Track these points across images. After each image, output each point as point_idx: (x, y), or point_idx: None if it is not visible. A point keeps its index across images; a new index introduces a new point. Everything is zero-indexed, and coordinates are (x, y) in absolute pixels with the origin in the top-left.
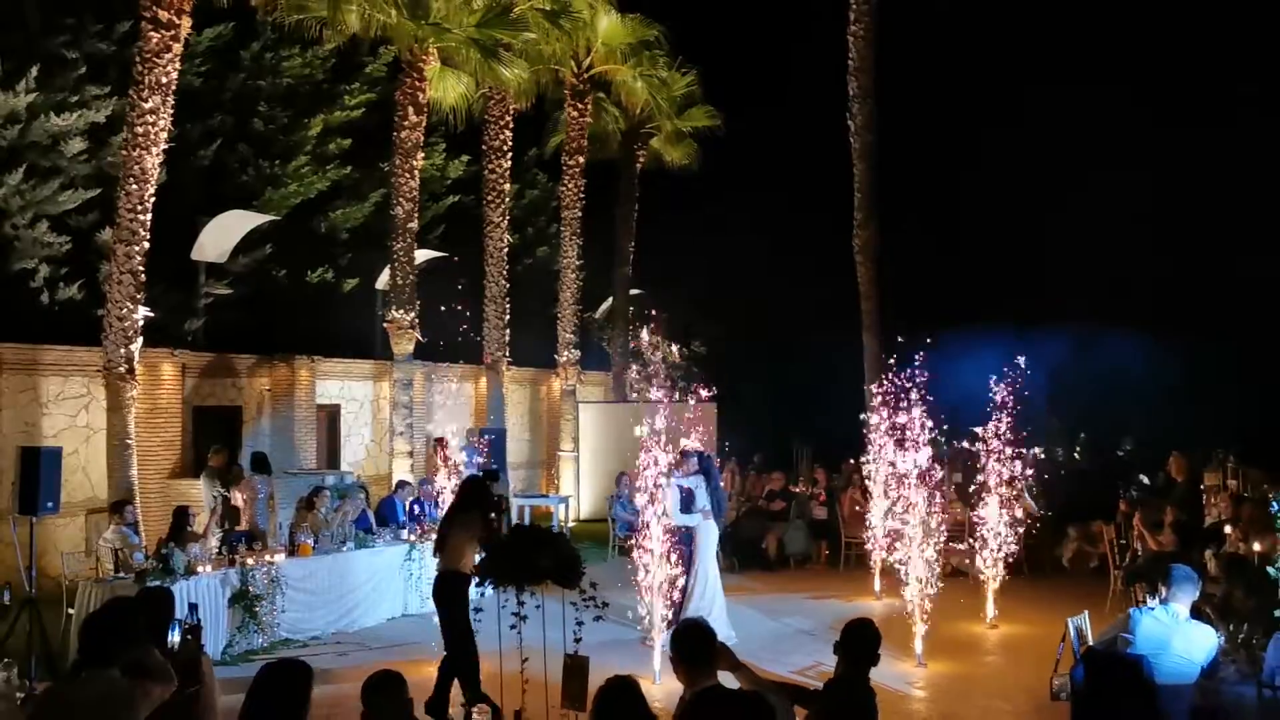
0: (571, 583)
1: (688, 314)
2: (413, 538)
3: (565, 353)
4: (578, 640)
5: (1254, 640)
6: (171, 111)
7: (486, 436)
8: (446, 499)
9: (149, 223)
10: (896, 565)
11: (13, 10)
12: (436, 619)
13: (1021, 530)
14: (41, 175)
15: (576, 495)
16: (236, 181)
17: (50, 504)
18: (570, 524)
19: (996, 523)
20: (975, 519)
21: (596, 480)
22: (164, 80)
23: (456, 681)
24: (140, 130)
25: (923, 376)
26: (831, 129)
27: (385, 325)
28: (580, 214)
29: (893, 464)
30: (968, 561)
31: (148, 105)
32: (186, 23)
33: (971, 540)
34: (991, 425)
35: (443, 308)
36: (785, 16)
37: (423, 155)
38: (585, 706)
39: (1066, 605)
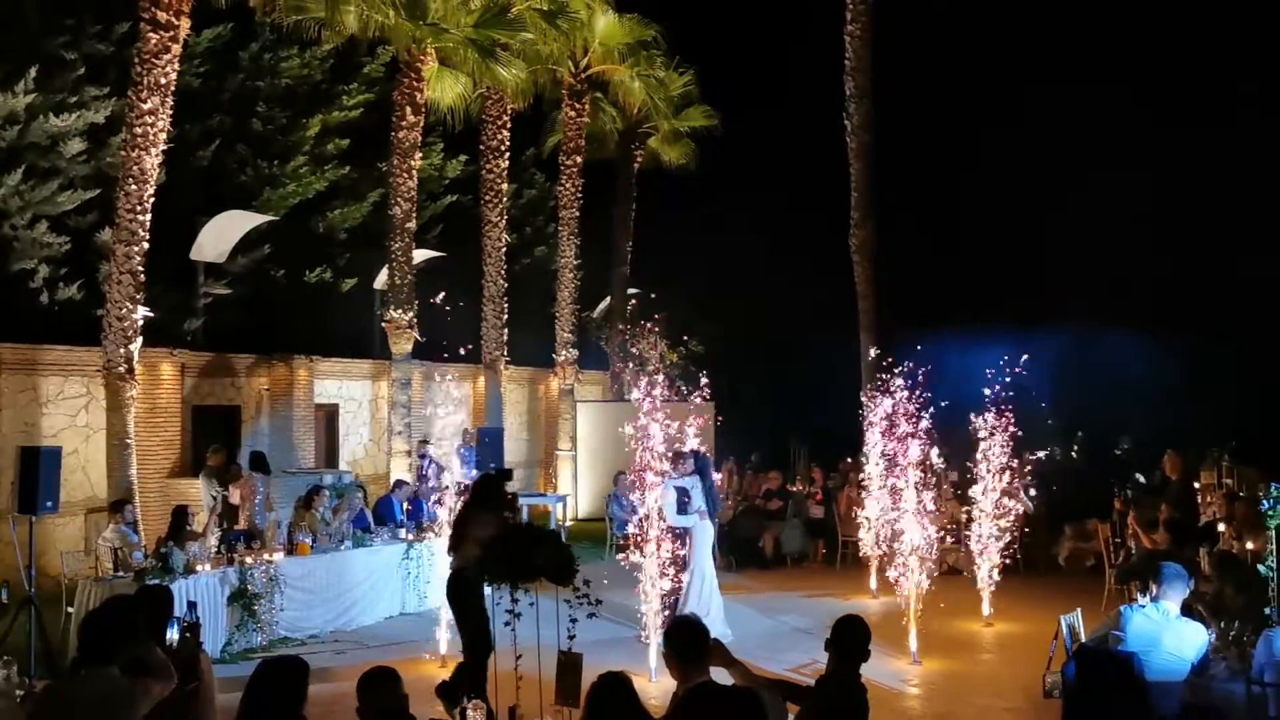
0: (565, 580)
1: (685, 314)
2: (410, 537)
3: (563, 352)
4: (571, 637)
5: (1244, 637)
6: (170, 112)
7: (485, 437)
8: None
9: (148, 223)
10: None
11: (12, 11)
12: (447, 617)
13: (1016, 528)
14: (41, 176)
15: (574, 494)
16: (235, 182)
17: (49, 503)
18: (568, 523)
19: (991, 520)
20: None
21: (594, 479)
22: (163, 81)
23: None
24: (139, 131)
25: (918, 377)
26: (828, 129)
27: (383, 325)
28: (578, 214)
29: (889, 460)
30: (964, 560)
31: (146, 106)
32: (185, 24)
33: (967, 538)
34: (988, 423)
35: (447, 308)
36: (782, 16)
37: (421, 155)
38: (579, 703)
39: (1062, 603)
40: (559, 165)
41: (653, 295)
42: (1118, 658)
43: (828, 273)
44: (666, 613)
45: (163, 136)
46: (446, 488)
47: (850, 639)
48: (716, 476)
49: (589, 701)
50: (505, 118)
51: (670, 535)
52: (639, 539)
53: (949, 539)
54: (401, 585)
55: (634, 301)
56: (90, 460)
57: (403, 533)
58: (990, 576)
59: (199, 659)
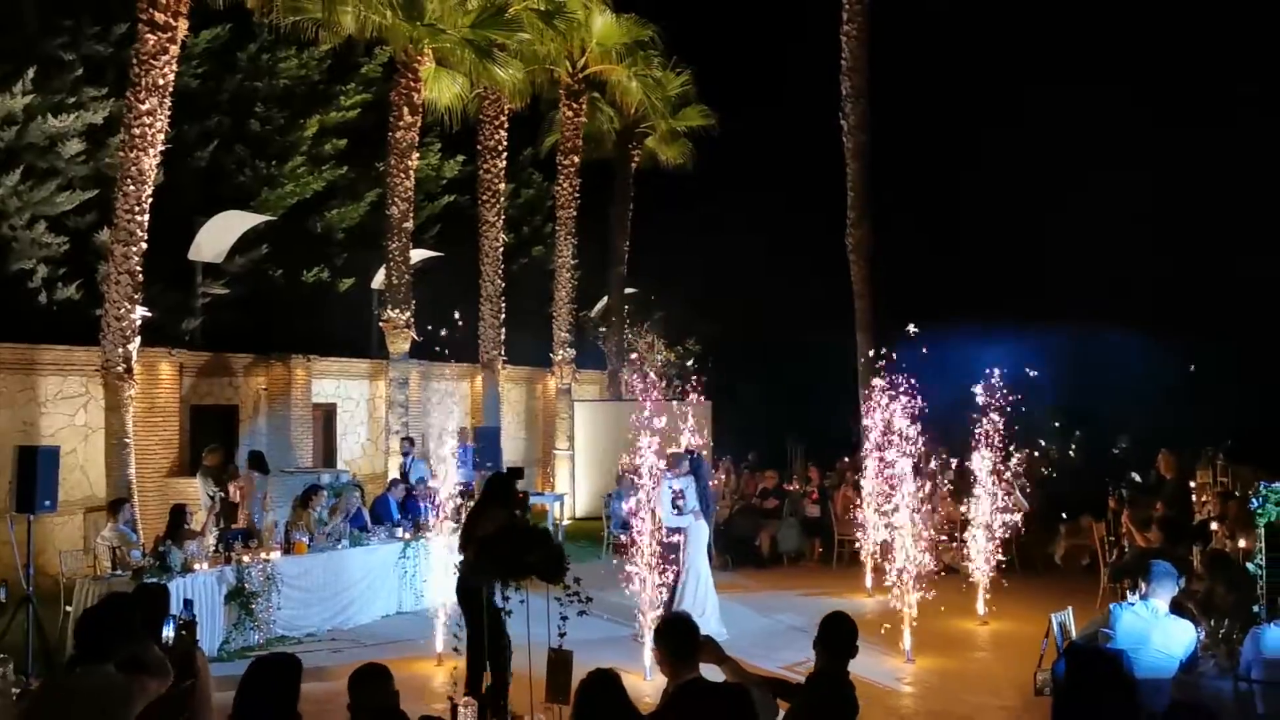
0: (556, 578)
1: (683, 313)
2: (406, 535)
3: (560, 351)
4: (562, 635)
5: (1234, 635)
6: (168, 113)
7: (482, 437)
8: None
9: (146, 223)
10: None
11: (11, 12)
12: (443, 615)
13: (1012, 526)
14: (39, 176)
15: (571, 493)
16: (233, 182)
17: (47, 502)
18: (565, 521)
19: (987, 518)
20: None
21: (591, 478)
22: (161, 82)
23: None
24: (137, 131)
25: (913, 375)
26: (825, 128)
27: (381, 324)
28: (575, 213)
29: (884, 460)
30: (960, 558)
31: (145, 107)
32: (183, 25)
33: (963, 537)
34: (984, 421)
35: (458, 320)
36: (779, 17)
37: (418, 155)
38: (569, 700)
39: (1058, 602)
40: (556, 165)
41: (652, 297)
42: (1107, 655)
43: (824, 272)
44: (662, 611)
45: (161, 137)
46: (422, 482)
47: (838, 636)
48: (716, 477)
49: (578, 698)
50: (502, 118)
51: (664, 534)
52: (635, 534)
53: (945, 539)
54: (398, 584)
55: (628, 306)
56: (89, 460)
57: (399, 531)
58: (985, 575)
59: (194, 656)
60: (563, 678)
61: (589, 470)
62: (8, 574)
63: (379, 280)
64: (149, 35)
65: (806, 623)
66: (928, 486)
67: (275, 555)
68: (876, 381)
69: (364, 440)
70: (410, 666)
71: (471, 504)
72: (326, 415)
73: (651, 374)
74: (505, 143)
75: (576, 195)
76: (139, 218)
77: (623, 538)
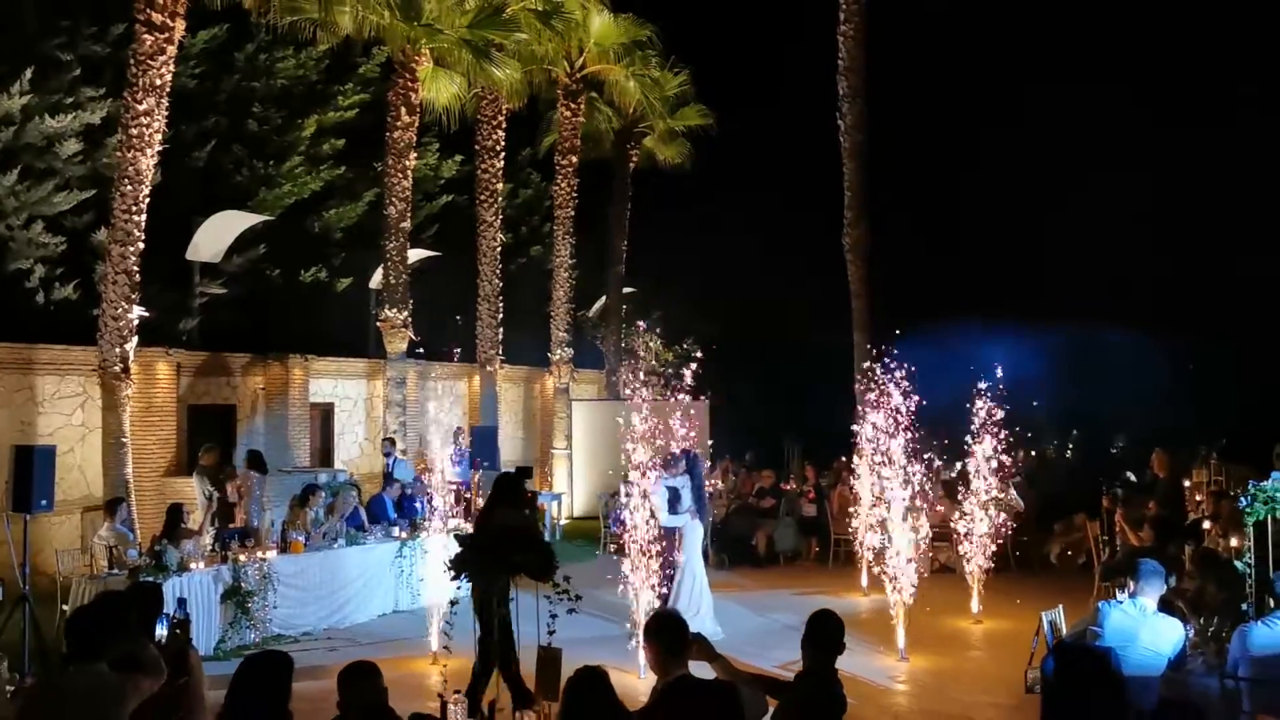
0: (545, 576)
1: (681, 313)
2: (403, 535)
3: (558, 351)
4: (551, 633)
5: (1223, 633)
6: (166, 113)
7: (479, 436)
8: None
9: (144, 223)
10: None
11: (9, 13)
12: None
13: (1008, 525)
14: (37, 176)
15: (569, 492)
16: (231, 182)
17: (44, 501)
18: (563, 521)
19: (981, 517)
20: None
21: (589, 478)
22: (158, 82)
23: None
24: (135, 132)
25: (908, 374)
26: (823, 128)
27: (378, 324)
28: (573, 213)
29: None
30: (955, 558)
31: (142, 107)
32: (180, 25)
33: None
34: (980, 421)
35: (459, 319)
36: (776, 16)
37: (416, 155)
38: (558, 696)
39: (1052, 601)
40: (554, 165)
41: (650, 298)
42: (1095, 653)
43: (822, 272)
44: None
45: (158, 137)
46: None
47: (825, 633)
48: (713, 476)
49: (566, 695)
50: (500, 118)
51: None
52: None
53: (940, 539)
54: (395, 583)
55: (626, 306)
56: (86, 459)
57: (396, 530)
58: (980, 573)
59: (188, 654)
60: (551, 675)
61: (587, 470)
62: (5, 573)
63: (377, 280)
64: (146, 36)
65: (801, 622)
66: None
67: (271, 554)
68: (872, 380)
69: (361, 440)
70: (406, 665)
71: (466, 503)
72: (324, 415)
73: (643, 373)
74: (503, 143)
75: (574, 195)
76: (136, 218)
77: (616, 530)
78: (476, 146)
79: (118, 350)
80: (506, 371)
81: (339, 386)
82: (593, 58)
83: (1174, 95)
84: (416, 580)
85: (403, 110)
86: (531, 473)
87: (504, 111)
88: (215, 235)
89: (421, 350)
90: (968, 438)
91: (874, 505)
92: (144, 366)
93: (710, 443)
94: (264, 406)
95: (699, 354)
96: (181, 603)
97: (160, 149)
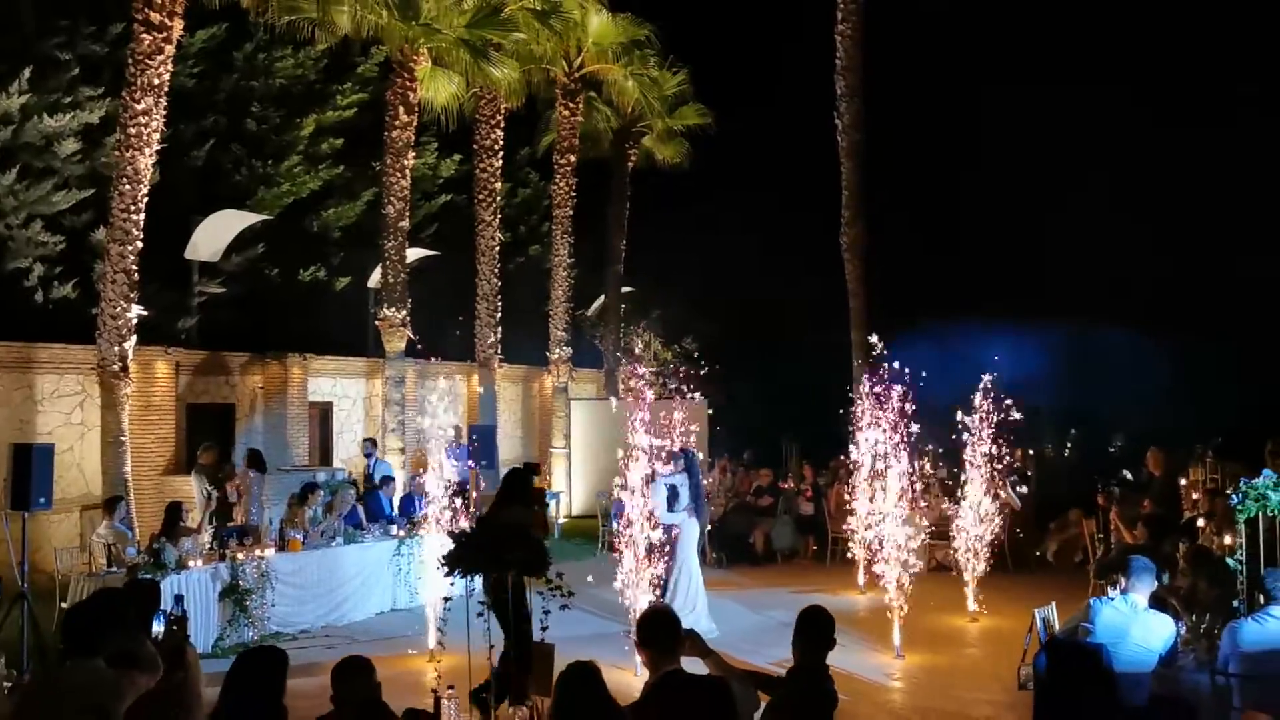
0: (537, 572)
1: (679, 312)
2: (401, 533)
3: (557, 350)
4: (544, 629)
5: (1215, 630)
6: (164, 112)
7: (477, 435)
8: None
9: (142, 222)
10: (877, 561)
11: (7, 13)
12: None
13: (1003, 522)
14: (35, 175)
15: (568, 491)
16: (229, 181)
17: (43, 500)
18: (561, 519)
19: (976, 516)
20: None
21: (588, 477)
22: (157, 81)
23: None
24: (133, 131)
25: (906, 373)
26: (821, 127)
27: (377, 323)
28: (572, 212)
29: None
30: (952, 556)
31: (140, 106)
32: (179, 25)
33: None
34: (977, 419)
35: (457, 316)
36: (775, 16)
37: (414, 154)
38: (550, 691)
39: (1048, 599)
40: (553, 164)
41: (649, 299)
42: (1086, 649)
43: (820, 271)
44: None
45: (157, 136)
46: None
47: (815, 628)
48: (711, 475)
49: (557, 690)
50: (499, 117)
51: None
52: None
53: (937, 538)
54: (393, 581)
55: (625, 305)
56: (85, 457)
57: (394, 529)
58: (976, 571)
59: (185, 651)
60: (544, 670)
61: (585, 468)
62: (3, 571)
63: (375, 279)
64: (145, 35)
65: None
66: (919, 484)
67: (270, 552)
68: (868, 377)
69: (360, 439)
70: (404, 663)
71: (465, 500)
72: (323, 414)
73: (643, 370)
74: (502, 142)
75: (573, 194)
76: (135, 217)
77: (616, 526)
78: (475, 146)
79: (116, 349)
80: (505, 370)
81: (338, 385)
82: (591, 57)
83: (1174, 95)
84: (414, 578)
85: (401, 110)
86: (539, 469)
87: (502, 111)
88: (214, 234)
89: (420, 345)
90: (965, 437)
91: (870, 498)
92: (143, 365)
93: (707, 442)
94: (263, 405)
95: (695, 354)
96: (179, 599)
97: (159, 148)
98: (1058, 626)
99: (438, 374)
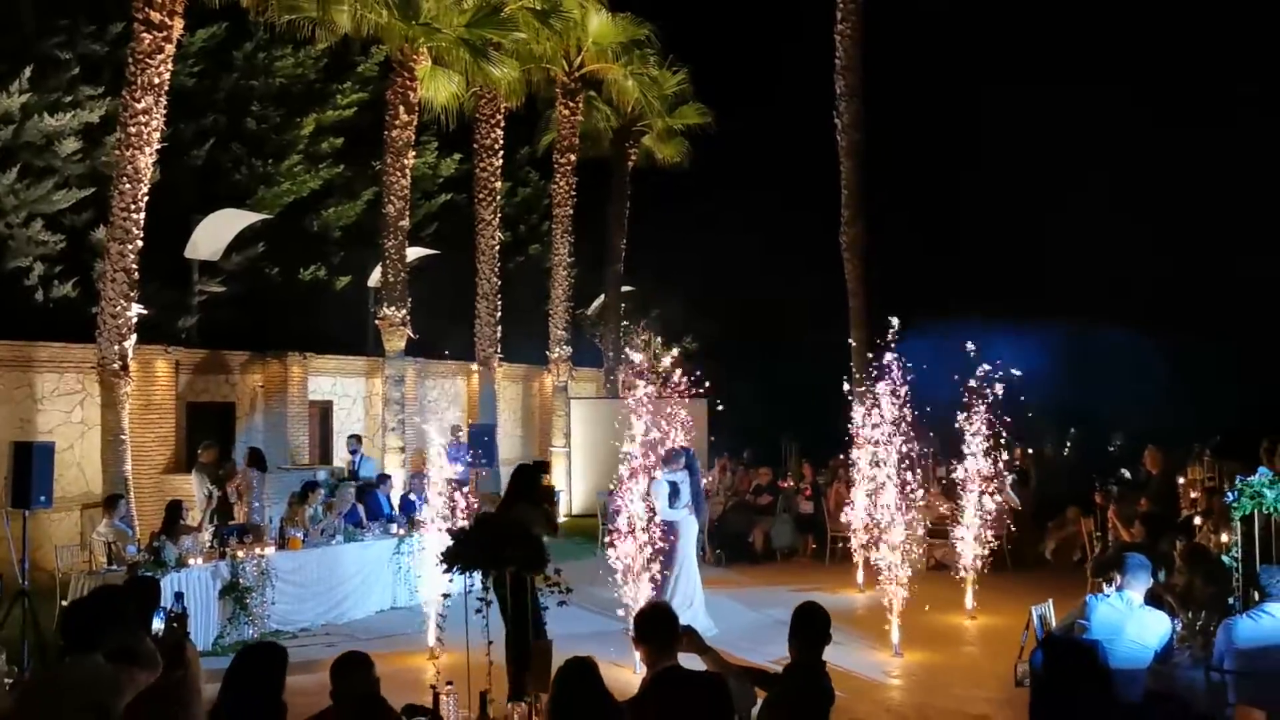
0: (535, 569)
1: (680, 311)
2: (401, 531)
3: (557, 349)
4: (544, 625)
5: (1210, 627)
6: (164, 111)
7: (476, 434)
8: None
9: (142, 221)
10: (875, 560)
11: (8, 12)
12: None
13: (1005, 521)
14: (36, 174)
15: (568, 490)
16: (230, 180)
17: (43, 498)
18: (561, 518)
19: (975, 515)
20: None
21: (588, 476)
22: (157, 81)
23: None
24: (133, 130)
25: (903, 371)
26: (821, 126)
27: (377, 322)
28: (572, 211)
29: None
30: (950, 555)
31: (141, 105)
32: (179, 24)
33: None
34: (975, 418)
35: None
36: (774, 15)
37: (414, 154)
38: (548, 687)
39: (1045, 596)
40: (553, 163)
41: (650, 297)
42: (1082, 646)
43: (820, 270)
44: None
45: (157, 135)
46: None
47: (811, 625)
48: (711, 473)
49: (555, 686)
50: (499, 116)
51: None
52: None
53: (936, 536)
54: (393, 579)
55: (625, 305)
56: (85, 456)
57: (394, 527)
58: (974, 570)
59: (184, 647)
60: (543, 667)
61: (585, 468)
62: (4, 569)
63: (375, 278)
64: (145, 34)
65: None
66: (918, 483)
67: (270, 550)
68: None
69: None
70: (404, 660)
71: (462, 499)
72: (323, 412)
73: (643, 367)
74: (502, 141)
75: (573, 193)
76: (135, 216)
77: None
78: (475, 145)
79: (116, 348)
80: (505, 370)
81: (338, 384)
82: (591, 57)
83: (1174, 95)
84: (414, 577)
85: (401, 109)
86: (549, 466)
87: (502, 110)
88: (214, 233)
89: (417, 337)
90: (965, 435)
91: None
92: (143, 364)
93: (711, 439)
94: (263, 404)
95: (696, 351)
96: (179, 597)
97: (159, 147)
98: (1054, 623)
99: (438, 373)
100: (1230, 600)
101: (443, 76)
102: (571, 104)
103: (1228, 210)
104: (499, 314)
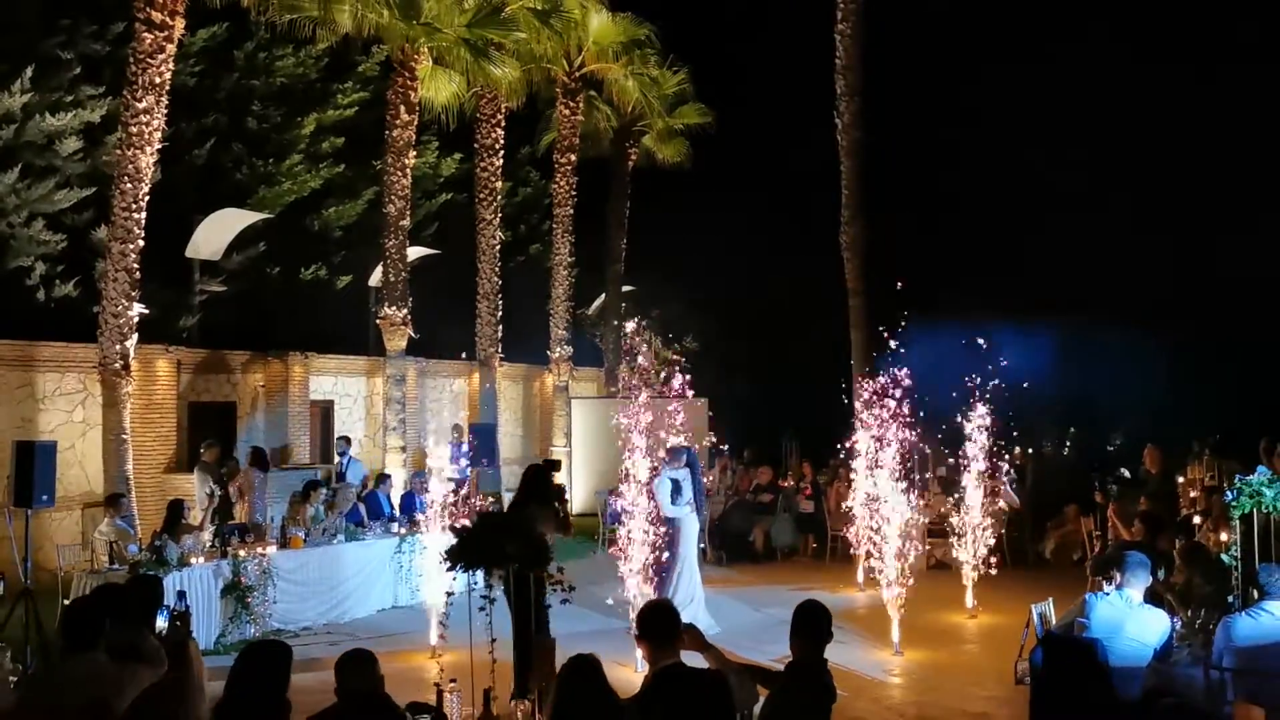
0: (538, 566)
1: (680, 310)
2: (402, 531)
3: (557, 349)
4: (547, 623)
5: (1210, 625)
6: (165, 111)
7: (477, 433)
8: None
9: (144, 221)
10: (874, 559)
11: (9, 12)
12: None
13: (1003, 521)
14: (37, 174)
15: (569, 490)
16: (231, 180)
17: (45, 497)
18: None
19: (976, 514)
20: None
21: (588, 475)
22: (158, 80)
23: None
24: (135, 130)
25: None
26: (822, 126)
27: (378, 322)
28: (572, 211)
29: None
30: (952, 554)
31: (142, 105)
32: (180, 23)
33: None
34: (975, 417)
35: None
36: (774, 15)
37: (415, 153)
38: (551, 685)
39: (1045, 595)
40: (553, 163)
41: (654, 294)
42: (1081, 644)
43: (821, 269)
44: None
45: (158, 135)
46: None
47: (812, 623)
48: (711, 473)
49: (559, 682)
50: (499, 116)
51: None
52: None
53: (936, 535)
54: (394, 579)
55: (625, 304)
56: (86, 455)
57: (395, 527)
58: (975, 569)
59: (188, 645)
60: (546, 665)
61: (586, 467)
62: (7, 568)
63: (376, 278)
64: (146, 34)
65: None
66: (919, 483)
67: (271, 550)
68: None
69: (361, 437)
70: (405, 659)
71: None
72: (324, 412)
73: (646, 365)
74: (502, 141)
75: (573, 193)
76: (136, 215)
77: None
78: (476, 145)
79: (118, 347)
80: (506, 369)
81: (339, 384)
82: (591, 56)
83: (1174, 95)
84: (415, 576)
85: (402, 109)
86: (560, 465)
87: (503, 110)
88: (215, 233)
89: (418, 337)
90: (965, 432)
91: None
92: (144, 364)
93: (711, 439)
94: (264, 404)
95: (681, 356)
96: (181, 595)
97: (160, 147)
98: (1054, 621)
99: (438, 373)
100: (1230, 598)
101: (443, 76)
102: (572, 104)
103: (1228, 210)
104: (500, 313)
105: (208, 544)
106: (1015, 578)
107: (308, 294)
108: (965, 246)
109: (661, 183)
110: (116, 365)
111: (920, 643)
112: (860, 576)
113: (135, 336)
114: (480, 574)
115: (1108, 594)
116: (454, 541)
